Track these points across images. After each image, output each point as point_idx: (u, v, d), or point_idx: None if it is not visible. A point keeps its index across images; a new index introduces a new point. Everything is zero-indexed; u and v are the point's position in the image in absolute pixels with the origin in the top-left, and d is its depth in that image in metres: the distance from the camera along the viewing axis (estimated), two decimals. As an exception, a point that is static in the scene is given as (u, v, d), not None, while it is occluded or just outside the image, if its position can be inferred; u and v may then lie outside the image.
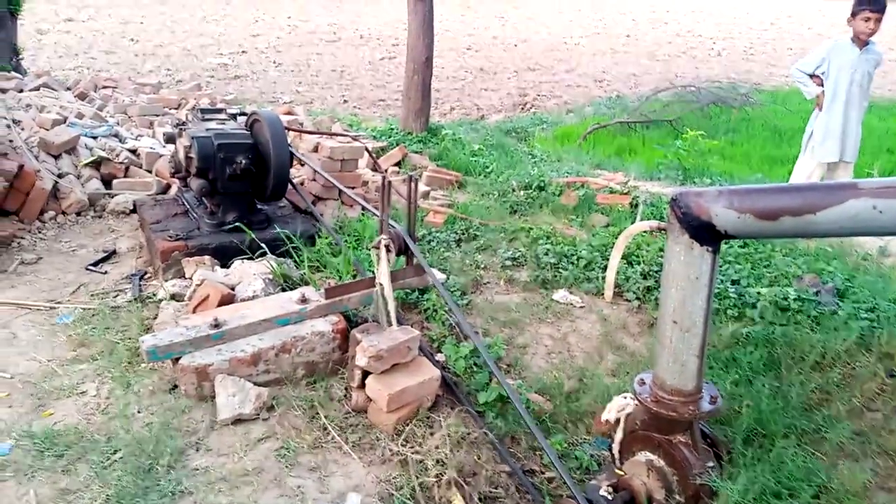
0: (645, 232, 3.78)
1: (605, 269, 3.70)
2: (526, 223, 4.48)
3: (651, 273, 3.67)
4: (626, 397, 2.39)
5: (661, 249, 3.00)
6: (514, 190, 5.18)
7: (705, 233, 2.01)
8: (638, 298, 3.58)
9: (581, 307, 3.61)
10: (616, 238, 2.97)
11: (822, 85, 4.79)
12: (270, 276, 3.14)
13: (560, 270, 3.86)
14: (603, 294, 3.60)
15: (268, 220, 3.76)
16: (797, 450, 2.49)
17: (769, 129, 7.92)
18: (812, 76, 4.83)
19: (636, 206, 4.76)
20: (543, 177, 5.33)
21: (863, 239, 4.27)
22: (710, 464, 2.20)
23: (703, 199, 1.99)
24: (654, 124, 8.51)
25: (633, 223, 4.15)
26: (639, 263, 3.81)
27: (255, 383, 2.51)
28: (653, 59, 16.05)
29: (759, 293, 3.35)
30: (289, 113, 6.99)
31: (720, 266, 3.71)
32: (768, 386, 2.81)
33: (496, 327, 3.38)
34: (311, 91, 11.31)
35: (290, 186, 3.76)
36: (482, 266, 3.98)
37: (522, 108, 10.87)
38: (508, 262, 3.98)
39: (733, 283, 3.56)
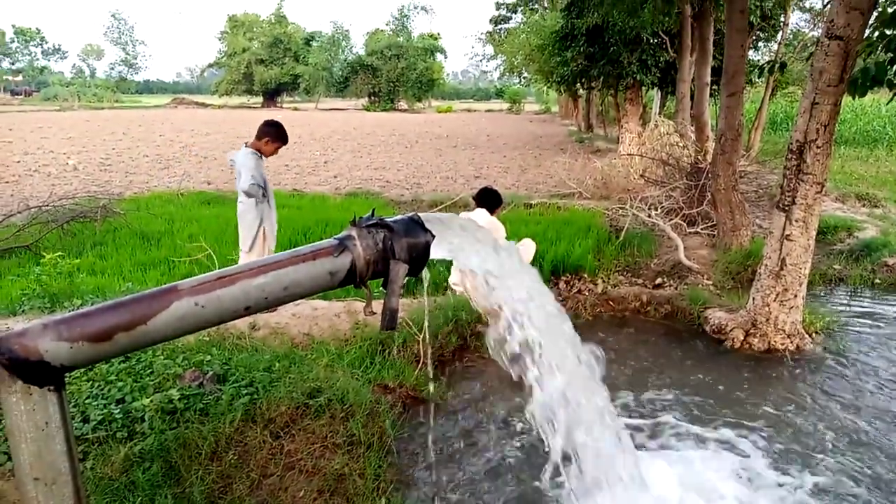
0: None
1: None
2: None
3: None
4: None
5: None
6: None
7: (41, 373, 1.79)
8: None
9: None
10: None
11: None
12: None
13: None
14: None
15: None
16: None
17: (136, 235, 8.02)
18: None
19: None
20: None
21: (236, 321, 4.70)
22: None
23: (28, 338, 1.78)
24: (11, 253, 7.58)
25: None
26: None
27: None
28: (0, 182, 14.38)
29: (143, 405, 3.27)
30: None
31: (103, 389, 3.49)
32: (171, 495, 2.74)
33: None
34: None
35: None
36: None
37: None
38: None
39: (118, 402, 3.38)
